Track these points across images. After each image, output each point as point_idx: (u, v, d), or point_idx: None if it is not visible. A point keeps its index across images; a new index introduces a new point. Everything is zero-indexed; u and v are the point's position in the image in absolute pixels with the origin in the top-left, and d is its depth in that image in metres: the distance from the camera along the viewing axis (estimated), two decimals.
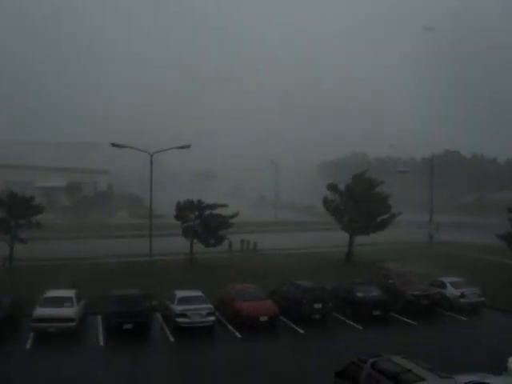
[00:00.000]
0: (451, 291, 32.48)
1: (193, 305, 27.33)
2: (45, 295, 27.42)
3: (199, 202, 42.44)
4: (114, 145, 42.83)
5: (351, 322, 29.27)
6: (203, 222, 42.18)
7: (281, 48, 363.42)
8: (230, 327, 28.06)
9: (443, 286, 33.15)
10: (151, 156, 42.45)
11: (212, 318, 27.30)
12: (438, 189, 71.09)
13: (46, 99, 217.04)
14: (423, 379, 14.58)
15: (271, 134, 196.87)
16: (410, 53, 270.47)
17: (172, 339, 26.25)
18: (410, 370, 15.19)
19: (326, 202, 46.92)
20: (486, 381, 17.02)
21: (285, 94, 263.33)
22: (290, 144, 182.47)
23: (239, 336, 26.87)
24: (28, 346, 24.65)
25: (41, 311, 25.84)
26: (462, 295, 31.87)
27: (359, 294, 30.50)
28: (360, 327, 28.49)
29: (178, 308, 27.22)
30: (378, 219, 45.24)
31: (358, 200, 44.91)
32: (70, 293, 27.91)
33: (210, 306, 27.80)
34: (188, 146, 43.79)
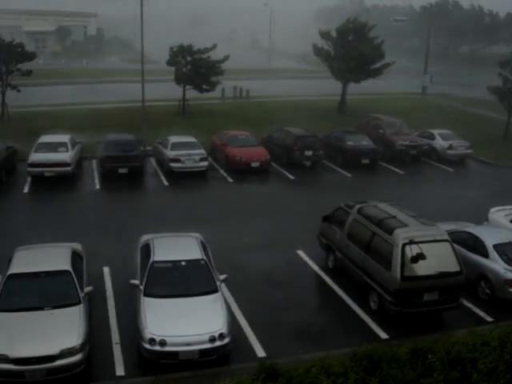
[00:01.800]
0: (440, 143, 32.91)
1: (186, 150, 27.75)
2: (39, 140, 27.40)
3: (190, 46, 41.39)
4: None
5: (341, 170, 29.97)
6: (194, 66, 41.42)
7: None
8: (222, 172, 28.74)
9: (432, 137, 33.54)
10: None
11: (205, 163, 27.84)
12: (434, 39, 69.52)
13: None
14: (406, 225, 15.03)
15: None
16: None
17: (166, 183, 26.94)
18: (394, 216, 15.62)
19: (317, 49, 46.13)
20: (468, 230, 17.59)
21: None
22: None
23: (231, 180, 27.62)
24: (25, 190, 25.13)
25: (36, 156, 25.90)
26: (451, 147, 32.36)
27: (349, 143, 30.90)
28: (349, 175, 29.23)
29: (172, 153, 27.63)
30: (371, 67, 44.54)
31: (349, 45, 43.99)
32: (64, 138, 27.82)
33: (202, 151, 28.25)
34: None
